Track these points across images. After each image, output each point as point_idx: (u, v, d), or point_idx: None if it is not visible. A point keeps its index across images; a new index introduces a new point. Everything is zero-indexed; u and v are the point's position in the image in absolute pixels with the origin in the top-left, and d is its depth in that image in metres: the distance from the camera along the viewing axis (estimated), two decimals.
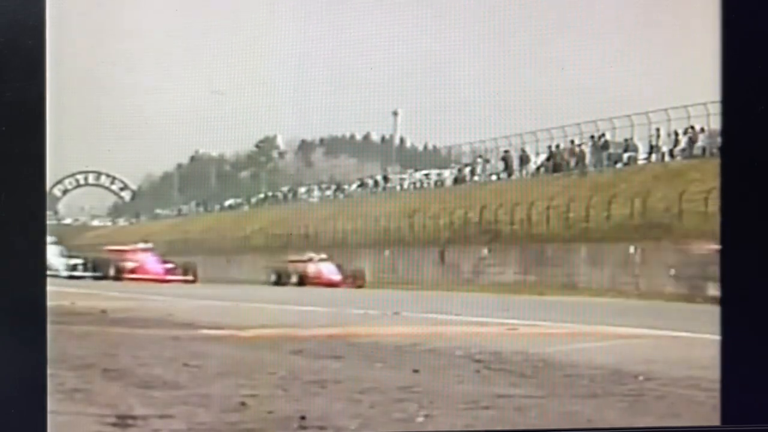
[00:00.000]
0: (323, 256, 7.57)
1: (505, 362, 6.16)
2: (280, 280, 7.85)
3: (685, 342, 6.22)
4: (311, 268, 7.71)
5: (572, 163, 7.57)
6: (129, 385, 5.83)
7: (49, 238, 4.87)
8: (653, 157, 7.53)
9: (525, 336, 6.44)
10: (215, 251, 7.95)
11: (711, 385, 5.23)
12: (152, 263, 7.53)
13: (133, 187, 7.12)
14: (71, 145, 5.44)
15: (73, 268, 7.27)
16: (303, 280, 7.73)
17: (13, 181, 4.78)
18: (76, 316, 6.33)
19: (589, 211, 7.53)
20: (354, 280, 7.52)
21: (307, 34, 5.86)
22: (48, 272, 4.86)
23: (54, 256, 6.10)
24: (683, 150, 7.33)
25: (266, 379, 5.85)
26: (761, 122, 5.14)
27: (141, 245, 7.45)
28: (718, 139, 5.27)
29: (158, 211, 7.54)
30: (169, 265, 7.58)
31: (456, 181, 7.68)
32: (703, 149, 7.06)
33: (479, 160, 7.54)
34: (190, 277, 7.54)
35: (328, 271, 7.60)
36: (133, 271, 7.54)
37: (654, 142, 7.44)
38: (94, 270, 7.44)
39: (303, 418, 5.46)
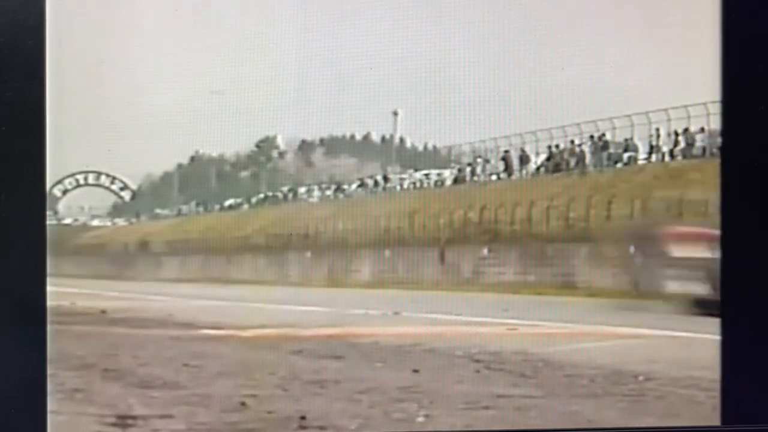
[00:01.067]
0: None
1: (505, 362, 6.15)
2: None
3: (685, 342, 6.22)
4: None
5: (572, 163, 7.56)
6: (129, 385, 5.83)
7: None
8: (653, 157, 7.53)
9: (525, 336, 6.44)
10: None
11: (711, 385, 5.22)
12: None
13: (133, 187, 7.11)
14: (71, 145, 5.44)
15: None
16: None
17: (13, 181, 4.78)
18: (76, 316, 6.33)
19: (589, 211, 7.52)
20: None
21: (307, 33, 5.86)
22: None
23: None
24: (683, 150, 7.33)
25: (266, 379, 5.85)
26: (761, 122, 5.13)
27: None
28: (718, 139, 5.27)
29: (158, 211, 7.53)
30: None
31: (456, 181, 7.67)
32: (703, 149, 7.06)
33: (479, 160, 7.53)
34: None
35: None
36: None
37: (654, 142, 7.43)
38: None
39: (303, 418, 5.45)
